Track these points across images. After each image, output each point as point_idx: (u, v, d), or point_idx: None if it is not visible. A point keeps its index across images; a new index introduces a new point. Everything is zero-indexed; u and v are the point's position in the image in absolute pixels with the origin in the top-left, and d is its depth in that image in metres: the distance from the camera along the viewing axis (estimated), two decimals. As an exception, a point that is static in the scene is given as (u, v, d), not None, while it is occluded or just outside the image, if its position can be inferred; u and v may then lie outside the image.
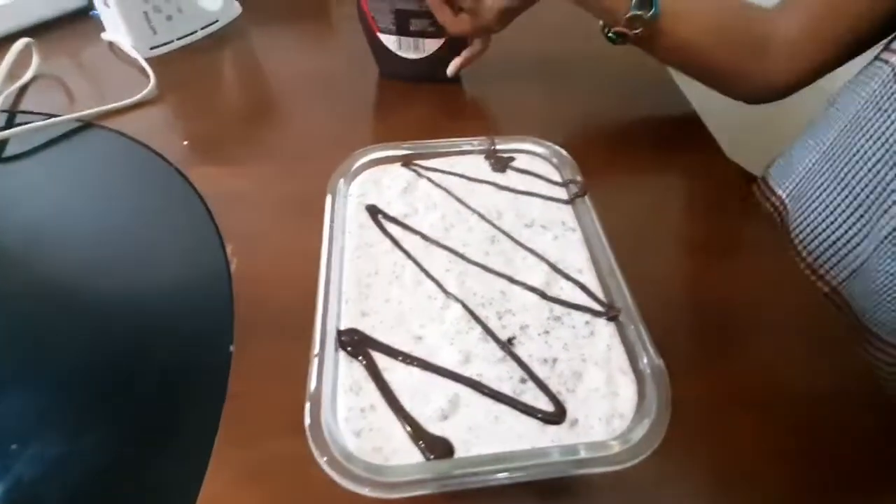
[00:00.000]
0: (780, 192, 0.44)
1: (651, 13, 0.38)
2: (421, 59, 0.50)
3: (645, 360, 0.23)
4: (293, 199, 0.35)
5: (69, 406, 0.30)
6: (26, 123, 0.46)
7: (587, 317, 0.25)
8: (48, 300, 0.35)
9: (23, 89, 0.51)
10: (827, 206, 0.39)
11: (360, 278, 0.27)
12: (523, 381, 0.23)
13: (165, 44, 0.55)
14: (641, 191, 0.41)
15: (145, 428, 0.29)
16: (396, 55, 0.50)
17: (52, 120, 0.46)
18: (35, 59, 0.52)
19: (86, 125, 0.47)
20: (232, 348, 0.31)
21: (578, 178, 0.31)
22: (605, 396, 0.23)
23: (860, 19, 0.37)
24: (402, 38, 0.48)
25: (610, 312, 0.25)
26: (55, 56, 0.55)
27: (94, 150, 0.46)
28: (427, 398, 0.23)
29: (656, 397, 0.22)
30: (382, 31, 0.49)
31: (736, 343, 0.32)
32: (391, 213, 0.30)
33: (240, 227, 0.38)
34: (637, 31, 0.39)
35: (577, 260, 0.28)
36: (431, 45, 0.49)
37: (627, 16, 0.39)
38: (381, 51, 0.50)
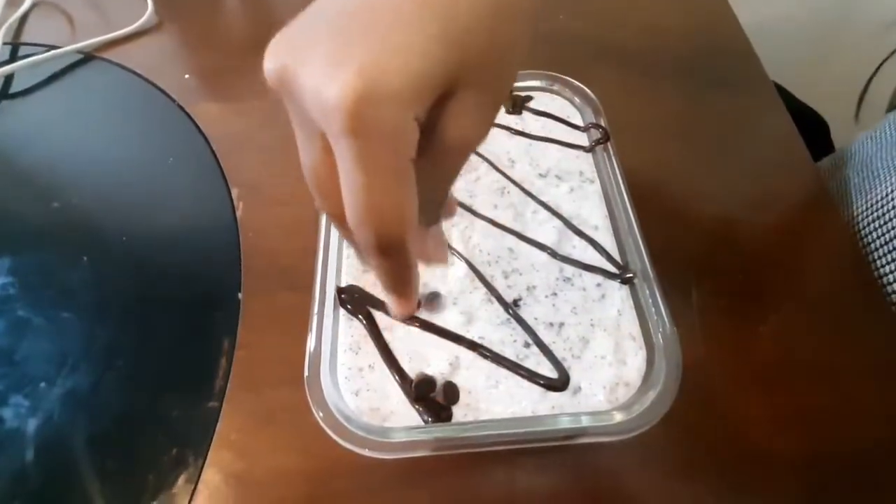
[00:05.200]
0: None
1: None
2: None
3: (657, 328, 0.22)
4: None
5: (90, 347, 0.31)
6: (29, 56, 0.45)
7: (599, 279, 0.24)
8: (61, 242, 0.35)
9: (23, 18, 0.49)
10: None
11: (362, 232, 0.26)
12: (527, 345, 0.22)
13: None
14: (673, 137, 0.36)
15: (162, 370, 0.30)
16: None
17: (54, 52, 0.45)
18: (32, -17, 0.49)
19: (87, 57, 0.45)
20: (240, 296, 0.32)
21: (602, 123, 0.29)
22: (612, 364, 0.22)
23: None
24: None
25: (624, 274, 0.24)
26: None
27: (97, 84, 0.44)
28: (427, 360, 0.22)
29: (665, 367, 0.21)
30: None
31: (759, 315, 0.29)
32: (396, 160, 0.28)
33: (244, 170, 0.37)
34: None
35: (594, 215, 0.26)
36: None
37: None
38: None
